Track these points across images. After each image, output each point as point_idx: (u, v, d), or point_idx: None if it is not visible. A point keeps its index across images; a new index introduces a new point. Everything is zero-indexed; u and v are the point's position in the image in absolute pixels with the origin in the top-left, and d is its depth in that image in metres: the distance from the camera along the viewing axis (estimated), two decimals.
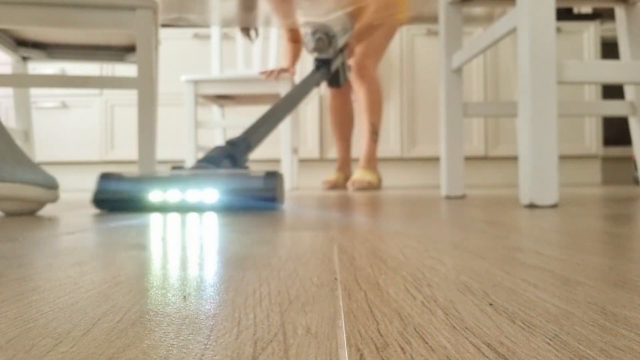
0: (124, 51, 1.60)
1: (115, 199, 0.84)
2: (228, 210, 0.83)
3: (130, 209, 0.85)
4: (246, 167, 1.01)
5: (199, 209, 0.83)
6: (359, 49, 2.00)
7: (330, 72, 1.56)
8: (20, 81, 1.27)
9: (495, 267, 0.29)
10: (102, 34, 1.39)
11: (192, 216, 0.72)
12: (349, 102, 2.19)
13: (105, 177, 0.86)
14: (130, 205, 0.84)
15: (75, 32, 1.30)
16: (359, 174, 1.98)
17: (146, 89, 1.33)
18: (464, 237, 0.44)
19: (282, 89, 1.99)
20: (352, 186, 1.94)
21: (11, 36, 1.39)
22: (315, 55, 1.58)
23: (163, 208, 0.83)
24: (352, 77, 2.02)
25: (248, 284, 0.26)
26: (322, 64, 1.54)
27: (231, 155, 0.99)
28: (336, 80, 1.63)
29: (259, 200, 0.83)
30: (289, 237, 0.45)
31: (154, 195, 0.82)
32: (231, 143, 1.02)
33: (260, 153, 2.62)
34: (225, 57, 2.64)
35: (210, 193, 0.81)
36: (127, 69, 2.62)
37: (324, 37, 1.55)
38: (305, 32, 1.64)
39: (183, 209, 0.83)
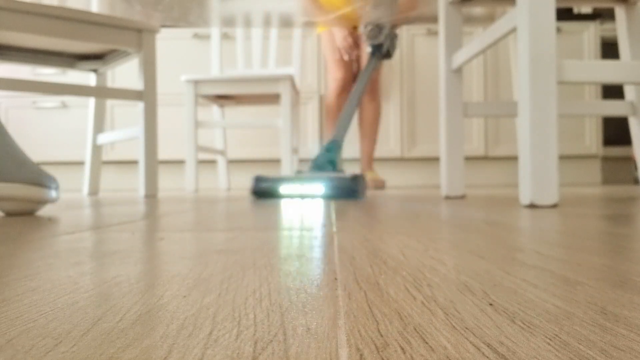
0: (75, 58, 1.65)
1: (264, 192, 1.30)
2: (328, 198, 1.22)
3: (272, 197, 1.29)
4: (341, 169, 1.42)
5: (312, 197, 1.25)
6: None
7: (382, 53, 1.74)
8: (30, 87, 1.29)
9: (495, 267, 0.29)
10: (62, 42, 1.42)
11: (303, 201, 1.10)
12: None
13: (257, 178, 1.32)
14: (272, 195, 1.29)
15: (32, 37, 1.32)
16: (373, 174, 2.18)
17: (151, 101, 1.49)
18: (464, 237, 0.44)
19: (282, 89, 1.98)
20: (372, 185, 2.12)
21: None
22: (369, 42, 1.75)
23: (291, 196, 1.27)
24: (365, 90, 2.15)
25: (248, 284, 0.26)
26: (375, 49, 1.73)
27: (331, 160, 1.41)
28: (388, 54, 1.77)
29: (347, 193, 1.23)
30: (289, 237, 0.45)
31: (284, 189, 1.28)
32: (327, 150, 1.43)
33: (260, 153, 2.62)
34: (225, 57, 2.64)
35: (318, 188, 1.24)
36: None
37: (374, 27, 1.73)
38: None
39: (302, 196, 1.26)
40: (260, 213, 0.77)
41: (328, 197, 1.23)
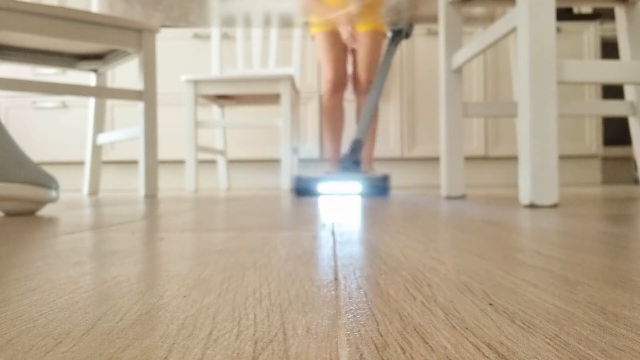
0: (75, 58, 1.65)
1: (306, 190, 1.45)
2: (363, 196, 1.38)
3: (314, 195, 1.44)
4: (361, 167, 1.57)
5: (349, 194, 1.43)
6: (366, 65, 2.14)
7: (401, 37, 1.80)
8: (30, 87, 1.29)
9: (495, 267, 0.29)
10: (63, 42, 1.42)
11: (342, 198, 1.24)
12: (343, 103, 2.21)
13: (299, 178, 1.46)
14: (314, 193, 1.44)
15: (32, 37, 1.32)
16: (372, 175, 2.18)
17: (151, 101, 1.50)
18: (464, 237, 0.44)
19: (282, 89, 1.98)
20: None
21: None
22: (389, 28, 1.81)
23: (331, 194, 1.43)
24: (362, 90, 2.17)
25: (248, 284, 0.26)
26: (395, 34, 1.79)
27: (356, 160, 1.55)
28: (406, 35, 1.82)
29: (380, 191, 1.43)
30: (289, 237, 0.45)
31: (325, 187, 1.44)
32: (353, 150, 1.54)
33: (260, 153, 2.62)
34: (225, 57, 2.64)
35: (355, 187, 1.43)
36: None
37: (393, 13, 1.80)
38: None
39: (341, 194, 1.43)
40: (260, 213, 0.77)
41: (363, 195, 1.41)
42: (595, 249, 0.36)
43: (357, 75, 2.17)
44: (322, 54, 2.17)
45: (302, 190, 1.44)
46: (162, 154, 2.63)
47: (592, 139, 2.62)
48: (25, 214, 0.81)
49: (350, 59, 2.20)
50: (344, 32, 2.07)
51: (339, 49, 2.16)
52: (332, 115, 2.19)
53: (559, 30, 2.61)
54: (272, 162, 2.71)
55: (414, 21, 1.80)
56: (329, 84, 2.15)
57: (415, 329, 0.18)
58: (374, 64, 2.14)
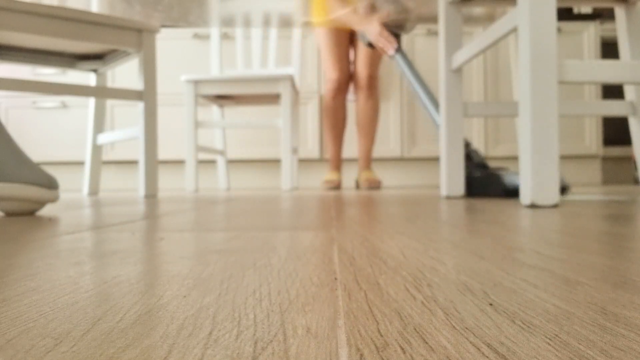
0: (75, 58, 1.65)
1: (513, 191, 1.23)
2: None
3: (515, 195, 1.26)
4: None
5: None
6: (366, 61, 2.11)
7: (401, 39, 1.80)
8: (30, 87, 1.29)
9: (495, 267, 0.29)
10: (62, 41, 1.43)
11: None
12: (346, 102, 2.20)
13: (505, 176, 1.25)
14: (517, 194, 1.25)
15: (32, 37, 1.32)
16: (368, 174, 2.16)
17: (151, 101, 1.50)
18: (464, 237, 0.44)
19: (282, 89, 1.98)
20: (367, 185, 2.10)
21: None
22: (396, 30, 1.78)
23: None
24: (363, 86, 2.14)
25: (248, 284, 0.26)
26: (398, 37, 1.77)
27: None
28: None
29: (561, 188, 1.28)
30: (289, 237, 0.45)
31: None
32: (474, 150, 1.43)
33: (260, 153, 2.62)
34: (225, 57, 2.64)
35: None
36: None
37: (398, 16, 1.77)
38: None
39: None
40: (259, 213, 0.77)
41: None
42: (595, 249, 0.36)
43: (358, 72, 2.15)
44: (325, 53, 2.14)
45: (511, 191, 1.24)
46: (162, 154, 2.63)
47: (592, 139, 2.62)
48: (25, 214, 0.81)
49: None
50: (372, 36, 1.76)
51: (344, 48, 2.14)
52: (336, 116, 2.18)
53: (559, 30, 2.61)
54: (272, 162, 2.71)
55: (415, 22, 1.77)
56: (334, 83, 2.13)
57: (415, 329, 0.18)
58: (376, 60, 2.12)
